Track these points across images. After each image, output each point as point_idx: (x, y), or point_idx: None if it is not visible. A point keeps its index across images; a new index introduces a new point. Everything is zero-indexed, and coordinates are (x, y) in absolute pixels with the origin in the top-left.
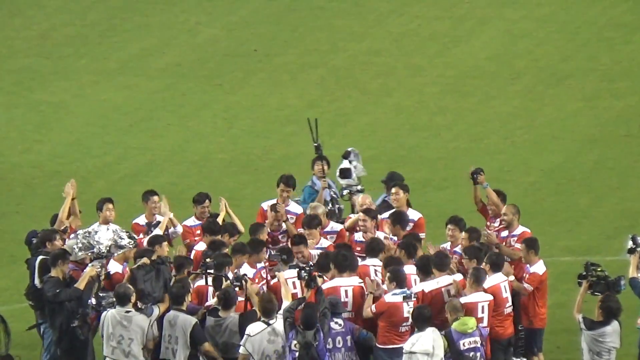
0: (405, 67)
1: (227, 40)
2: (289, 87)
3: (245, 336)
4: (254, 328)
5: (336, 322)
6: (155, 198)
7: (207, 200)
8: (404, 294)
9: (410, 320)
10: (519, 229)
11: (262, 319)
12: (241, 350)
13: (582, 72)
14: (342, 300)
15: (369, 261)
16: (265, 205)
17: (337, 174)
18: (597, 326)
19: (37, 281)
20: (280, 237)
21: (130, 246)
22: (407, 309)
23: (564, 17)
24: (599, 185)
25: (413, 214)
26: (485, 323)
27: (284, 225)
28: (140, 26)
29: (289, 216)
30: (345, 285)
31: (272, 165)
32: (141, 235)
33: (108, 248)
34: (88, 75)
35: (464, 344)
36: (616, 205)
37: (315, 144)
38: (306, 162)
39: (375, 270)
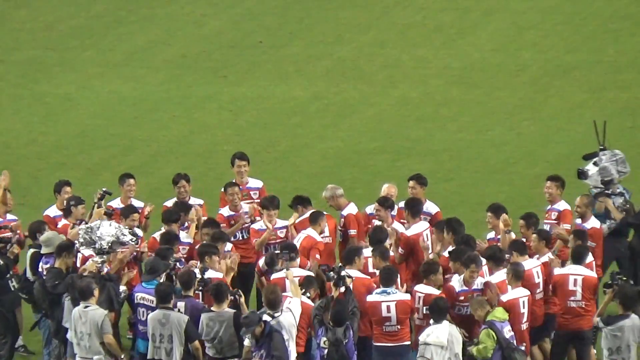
0: (411, 59)
1: (232, 32)
2: (295, 78)
3: None
4: None
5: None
6: (68, 189)
7: (182, 181)
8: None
9: (394, 320)
10: (591, 222)
11: (267, 311)
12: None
13: (587, 63)
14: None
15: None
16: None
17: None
18: (615, 320)
19: (29, 274)
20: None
21: (132, 243)
22: (386, 309)
23: (570, 8)
24: None
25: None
26: (525, 318)
27: (244, 207)
28: (145, 18)
29: (251, 192)
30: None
31: (277, 157)
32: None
33: (110, 244)
34: (93, 67)
35: (506, 332)
36: None
37: (601, 147)
38: (312, 153)
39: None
